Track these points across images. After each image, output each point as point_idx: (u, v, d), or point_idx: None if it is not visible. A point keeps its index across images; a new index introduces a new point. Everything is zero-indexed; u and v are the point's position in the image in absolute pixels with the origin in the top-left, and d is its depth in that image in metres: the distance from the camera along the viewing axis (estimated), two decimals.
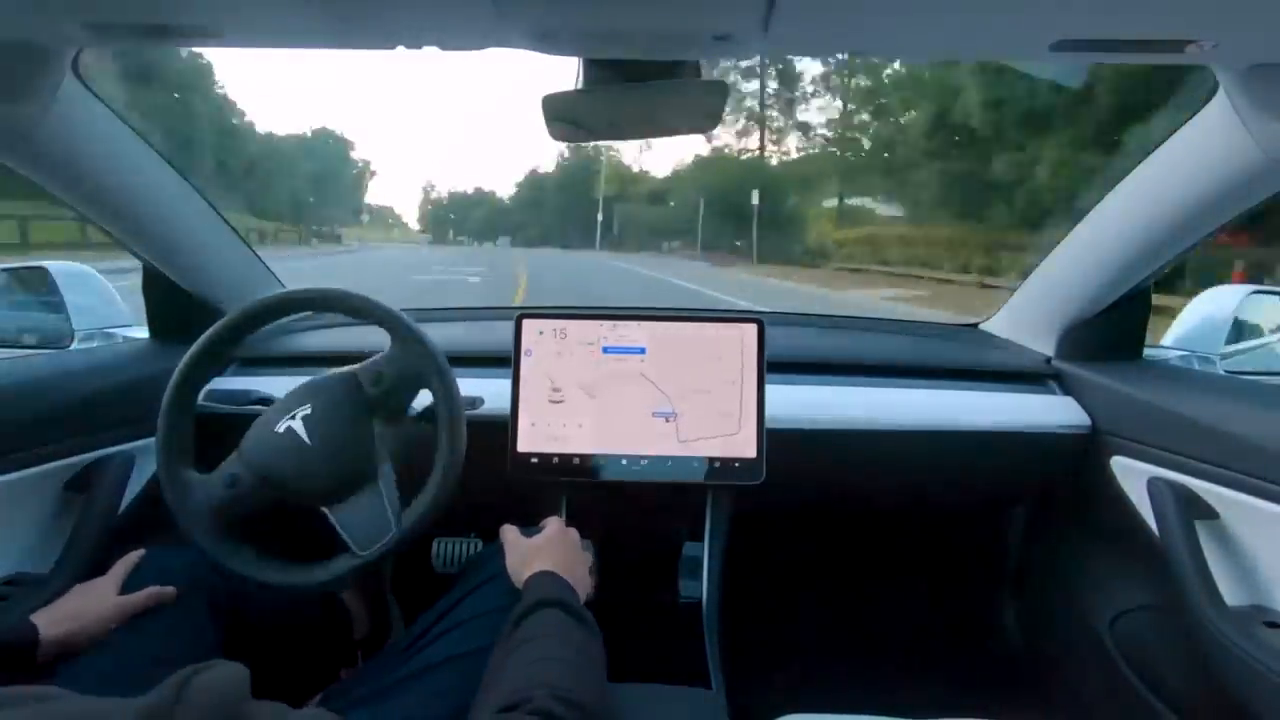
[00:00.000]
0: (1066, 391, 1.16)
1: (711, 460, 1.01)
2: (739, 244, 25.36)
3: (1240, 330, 1.34)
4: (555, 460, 1.01)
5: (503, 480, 1.00)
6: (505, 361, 1.03)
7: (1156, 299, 1.14)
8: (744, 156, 32.56)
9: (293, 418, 0.84)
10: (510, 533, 0.85)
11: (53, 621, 0.73)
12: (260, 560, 0.84)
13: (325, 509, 0.83)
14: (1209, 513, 0.90)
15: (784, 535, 1.41)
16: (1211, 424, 0.90)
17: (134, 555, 0.85)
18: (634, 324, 1.03)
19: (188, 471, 0.85)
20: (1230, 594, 0.86)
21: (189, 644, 0.79)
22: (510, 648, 0.63)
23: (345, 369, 0.89)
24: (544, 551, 0.80)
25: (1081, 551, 1.20)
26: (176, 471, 0.85)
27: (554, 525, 0.86)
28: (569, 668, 0.60)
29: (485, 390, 1.04)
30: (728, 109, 0.81)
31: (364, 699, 0.75)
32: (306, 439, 0.84)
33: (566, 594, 0.72)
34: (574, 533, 0.87)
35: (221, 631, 0.84)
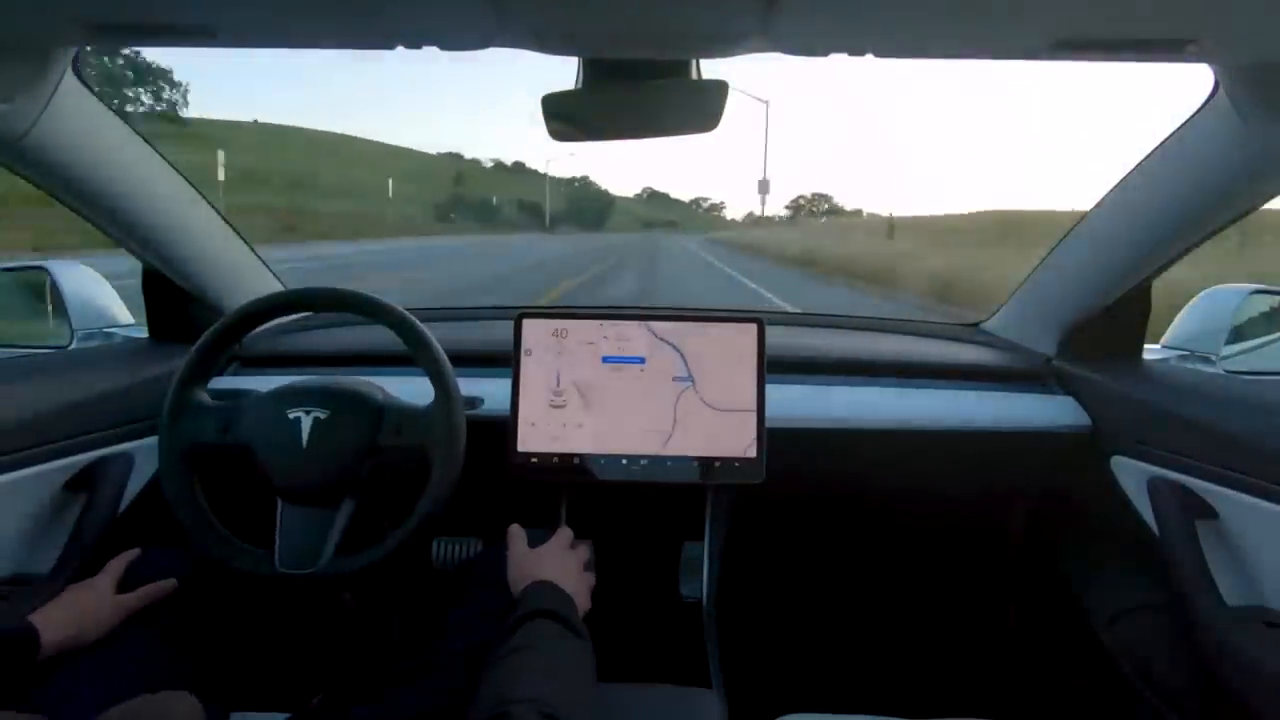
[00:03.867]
0: (1067, 391, 1.16)
1: (711, 460, 1.01)
2: None
3: (1240, 330, 1.34)
4: (555, 460, 1.01)
5: (503, 480, 1.00)
6: (505, 361, 1.03)
7: None
8: None
9: (306, 413, 0.85)
10: (516, 540, 0.84)
11: (51, 623, 0.73)
12: (197, 509, 0.84)
13: (280, 500, 0.84)
14: (1209, 513, 0.90)
15: (784, 535, 1.41)
16: (1211, 424, 0.90)
17: (129, 553, 0.85)
18: (634, 325, 1.03)
19: (199, 391, 0.88)
20: (1230, 594, 0.86)
21: (187, 644, 0.79)
22: (498, 657, 0.64)
23: (378, 398, 0.88)
24: (545, 562, 0.80)
25: (1081, 551, 1.20)
26: (189, 388, 0.87)
27: (561, 537, 0.86)
28: (552, 678, 0.60)
29: (485, 390, 1.04)
30: None
31: (362, 697, 0.75)
32: (304, 440, 0.84)
33: (561, 605, 0.72)
34: (582, 549, 0.87)
35: (220, 632, 0.84)
